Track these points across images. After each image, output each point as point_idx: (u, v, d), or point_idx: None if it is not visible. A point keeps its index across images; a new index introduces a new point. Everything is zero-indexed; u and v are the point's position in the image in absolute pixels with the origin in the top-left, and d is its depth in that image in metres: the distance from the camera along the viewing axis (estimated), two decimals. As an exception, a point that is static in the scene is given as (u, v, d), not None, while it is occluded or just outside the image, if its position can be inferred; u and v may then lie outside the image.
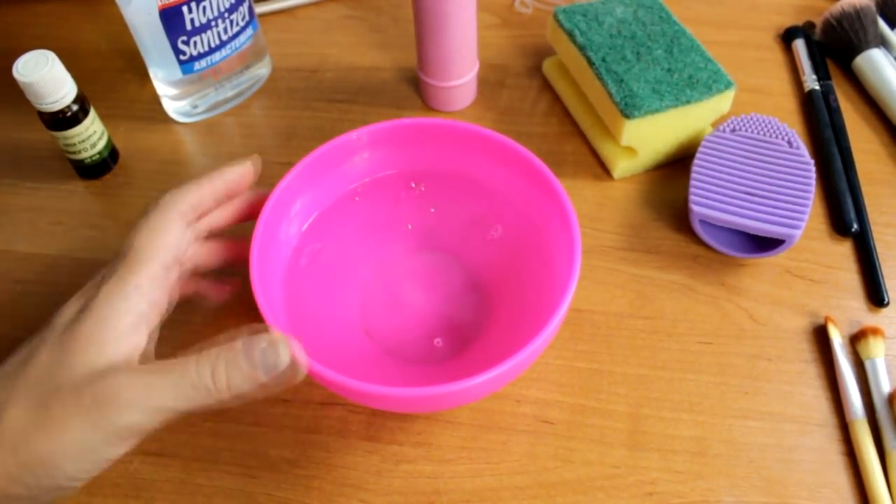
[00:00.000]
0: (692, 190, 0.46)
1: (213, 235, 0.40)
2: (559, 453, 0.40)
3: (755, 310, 0.45)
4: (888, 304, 0.45)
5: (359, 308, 0.45)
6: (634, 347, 0.44)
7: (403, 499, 0.39)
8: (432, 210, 0.47)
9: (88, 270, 0.47)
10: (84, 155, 0.51)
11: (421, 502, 0.39)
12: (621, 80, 0.48)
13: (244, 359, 0.31)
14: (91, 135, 0.50)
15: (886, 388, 0.41)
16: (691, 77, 0.48)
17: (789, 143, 0.48)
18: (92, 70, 0.59)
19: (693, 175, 0.47)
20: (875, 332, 0.42)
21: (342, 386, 0.33)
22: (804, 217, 0.44)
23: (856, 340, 0.43)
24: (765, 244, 0.46)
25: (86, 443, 0.30)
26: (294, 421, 0.41)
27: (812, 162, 0.47)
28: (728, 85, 0.48)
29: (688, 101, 0.48)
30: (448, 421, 0.41)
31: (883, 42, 0.57)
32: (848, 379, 0.41)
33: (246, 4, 0.53)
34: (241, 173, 0.39)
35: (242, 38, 0.54)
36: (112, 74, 0.60)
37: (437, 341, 0.43)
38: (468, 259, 0.46)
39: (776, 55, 0.60)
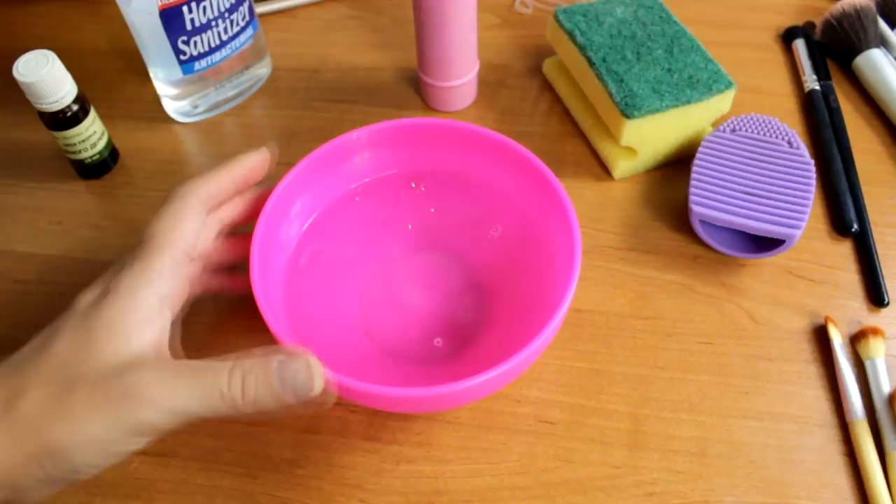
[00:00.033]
0: (692, 190, 0.46)
1: (230, 232, 0.40)
2: (559, 453, 0.40)
3: (755, 310, 0.45)
4: (888, 304, 0.45)
5: (359, 308, 0.45)
6: (634, 347, 0.44)
7: (403, 499, 0.39)
8: (432, 210, 0.47)
9: (88, 270, 0.48)
10: (84, 155, 0.51)
11: (421, 502, 0.39)
12: (621, 80, 0.48)
13: (277, 379, 0.31)
14: (91, 135, 0.50)
15: (886, 388, 0.41)
16: (691, 77, 0.48)
17: (789, 143, 0.48)
18: (92, 70, 0.59)
19: (693, 175, 0.47)
20: (875, 332, 0.42)
21: (342, 386, 0.33)
22: (804, 217, 0.44)
23: (856, 340, 0.43)
24: (765, 244, 0.46)
25: (102, 436, 0.30)
26: (294, 421, 0.41)
27: (812, 162, 0.47)
28: (728, 85, 0.48)
29: (688, 101, 0.48)
30: (448, 421, 0.41)
31: (883, 42, 0.57)
32: (848, 379, 0.41)
33: (246, 4, 0.53)
34: (257, 161, 0.39)
35: (243, 38, 0.54)
36: (112, 74, 0.60)
37: (437, 341, 0.43)
38: (468, 259, 0.46)
39: (776, 55, 0.60)
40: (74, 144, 0.50)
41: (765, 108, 0.53)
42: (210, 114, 0.56)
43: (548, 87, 0.58)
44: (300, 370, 0.32)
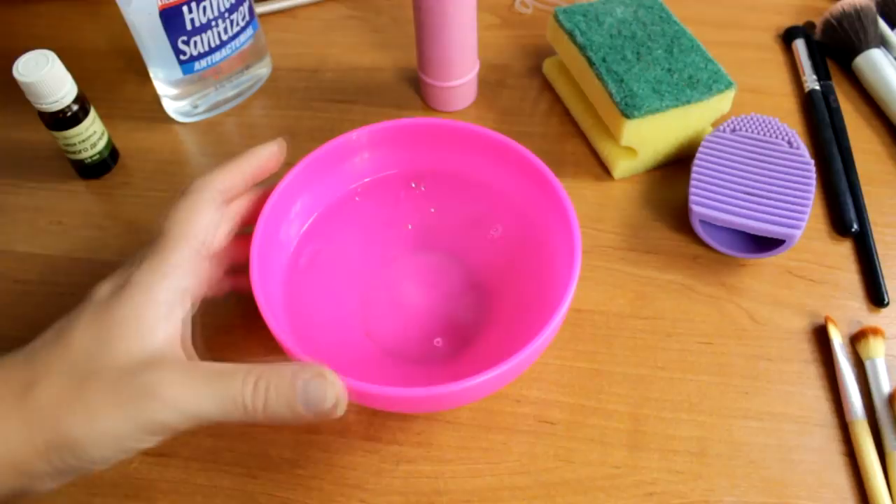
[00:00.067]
0: (692, 190, 0.46)
1: (240, 231, 0.40)
2: (559, 453, 0.40)
3: (755, 310, 0.45)
4: (888, 304, 0.45)
5: (359, 308, 0.45)
6: (634, 347, 0.44)
7: (403, 499, 0.39)
8: (432, 210, 0.47)
9: (89, 270, 0.48)
10: (84, 155, 0.51)
11: (421, 502, 0.39)
12: (621, 80, 0.48)
13: (301, 397, 0.31)
14: (91, 135, 0.50)
15: (886, 388, 0.41)
16: (691, 77, 0.48)
17: (789, 143, 0.48)
18: (92, 70, 0.59)
19: (693, 175, 0.47)
20: (875, 332, 0.42)
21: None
22: (804, 217, 0.44)
23: (856, 340, 0.43)
24: (765, 244, 0.46)
25: (118, 432, 0.30)
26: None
27: (812, 162, 0.47)
28: (728, 85, 0.48)
29: (688, 101, 0.48)
30: (448, 421, 0.41)
31: (883, 42, 0.57)
32: (848, 379, 0.41)
33: (246, 4, 0.53)
34: (271, 153, 0.39)
35: (243, 38, 0.54)
36: (112, 74, 0.60)
37: (437, 341, 0.43)
38: (468, 259, 0.46)
39: (776, 55, 0.60)
40: (74, 144, 0.50)
41: (765, 108, 0.53)
42: (210, 114, 0.56)
43: (548, 87, 0.58)
44: (325, 391, 0.31)
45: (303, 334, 0.39)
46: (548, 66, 0.58)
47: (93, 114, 0.50)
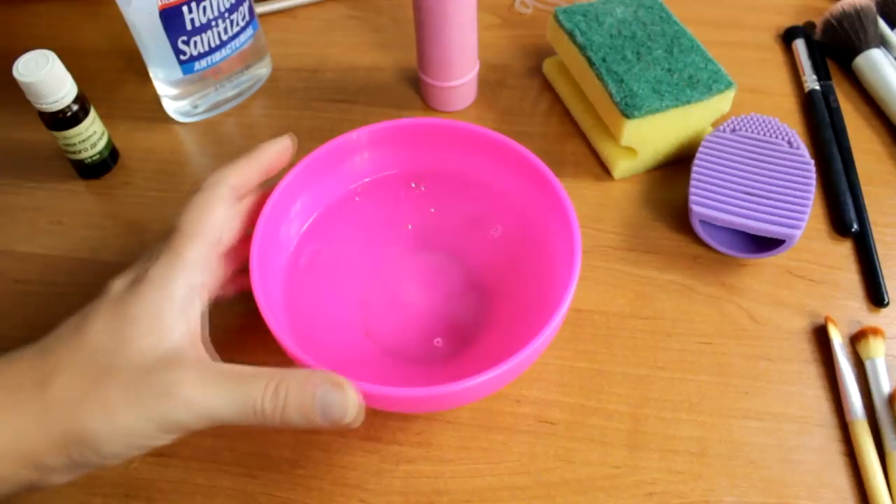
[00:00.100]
0: (692, 190, 0.46)
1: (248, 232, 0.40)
2: (559, 453, 0.40)
3: (755, 310, 0.45)
4: (888, 304, 0.45)
5: (359, 308, 0.45)
6: (634, 347, 0.44)
7: (403, 499, 0.39)
8: (432, 210, 0.47)
9: (89, 270, 0.48)
10: (84, 155, 0.51)
11: (421, 502, 0.39)
12: (621, 80, 0.48)
13: (319, 408, 0.31)
14: (91, 135, 0.50)
15: (886, 388, 0.41)
16: (691, 77, 0.48)
17: (789, 143, 0.48)
18: (92, 70, 0.59)
19: (693, 175, 0.47)
20: (875, 332, 0.42)
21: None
22: (804, 217, 0.44)
23: (856, 340, 0.43)
24: (765, 244, 0.46)
25: (134, 429, 0.30)
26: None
27: (812, 162, 0.47)
28: (728, 85, 0.48)
29: (688, 101, 0.48)
30: (448, 421, 0.41)
31: (883, 42, 0.57)
32: (848, 379, 0.41)
33: (246, 4, 0.53)
34: (283, 147, 0.40)
35: (243, 37, 0.54)
36: (112, 74, 0.60)
37: (438, 341, 0.43)
38: (468, 259, 0.46)
39: (776, 55, 0.60)
40: (74, 144, 0.50)
41: (765, 108, 0.53)
42: (210, 114, 0.56)
43: (548, 87, 0.58)
44: (341, 402, 0.31)
45: (303, 334, 0.39)
46: (548, 66, 0.58)
47: (93, 114, 0.50)
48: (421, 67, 0.54)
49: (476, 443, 0.40)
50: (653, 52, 0.50)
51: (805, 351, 0.43)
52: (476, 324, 0.43)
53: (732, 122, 0.49)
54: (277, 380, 0.31)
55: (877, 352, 0.42)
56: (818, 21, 0.59)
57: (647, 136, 0.49)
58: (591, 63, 0.50)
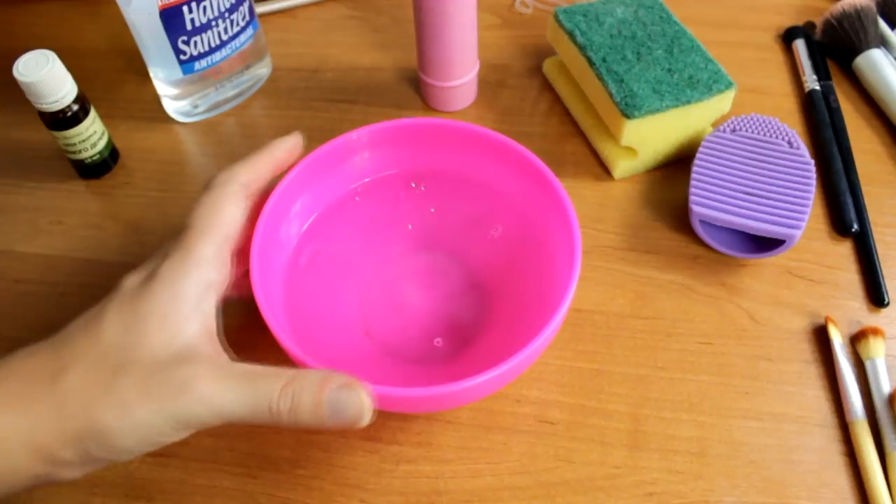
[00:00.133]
0: (692, 190, 0.46)
1: None
2: (559, 453, 0.40)
3: (755, 310, 0.45)
4: (888, 304, 0.45)
5: (359, 308, 0.45)
6: (634, 347, 0.44)
7: (403, 499, 0.39)
8: (432, 210, 0.47)
9: (88, 270, 0.48)
10: (84, 155, 0.51)
11: (421, 502, 0.39)
12: (621, 80, 0.48)
13: (328, 407, 0.31)
14: (91, 135, 0.50)
15: (886, 388, 0.41)
16: (692, 77, 0.48)
17: (789, 143, 0.48)
18: (92, 70, 0.59)
19: (693, 175, 0.47)
20: (875, 332, 0.42)
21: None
22: (804, 217, 0.44)
23: (856, 340, 0.43)
24: (765, 244, 0.46)
25: (149, 424, 0.30)
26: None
27: (812, 162, 0.47)
28: (728, 85, 0.48)
29: (688, 102, 0.48)
30: (448, 421, 0.41)
31: (883, 42, 0.57)
32: (848, 379, 0.41)
33: (246, 4, 0.53)
34: (289, 148, 0.40)
35: (243, 37, 0.54)
36: (112, 74, 0.60)
37: (438, 341, 0.43)
38: (468, 259, 0.46)
39: (776, 55, 0.60)
40: (74, 144, 0.50)
41: (765, 108, 0.53)
42: (210, 114, 0.56)
43: (548, 87, 0.58)
44: (353, 403, 0.31)
45: (303, 334, 0.39)
46: (548, 66, 0.58)
47: (93, 114, 0.50)
48: (421, 67, 0.54)
49: (476, 443, 0.40)
50: (653, 52, 0.50)
51: (805, 351, 0.43)
52: (476, 324, 0.43)
53: (732, 122, 0.49)
54: (293, 380, 0.31)
55: (877, 352, 0.42)
56: (818, 21, 0.59)
57: (647, 136, 0.49)
58: (591, 63, 0.50)
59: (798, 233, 0.44)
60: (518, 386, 0.42)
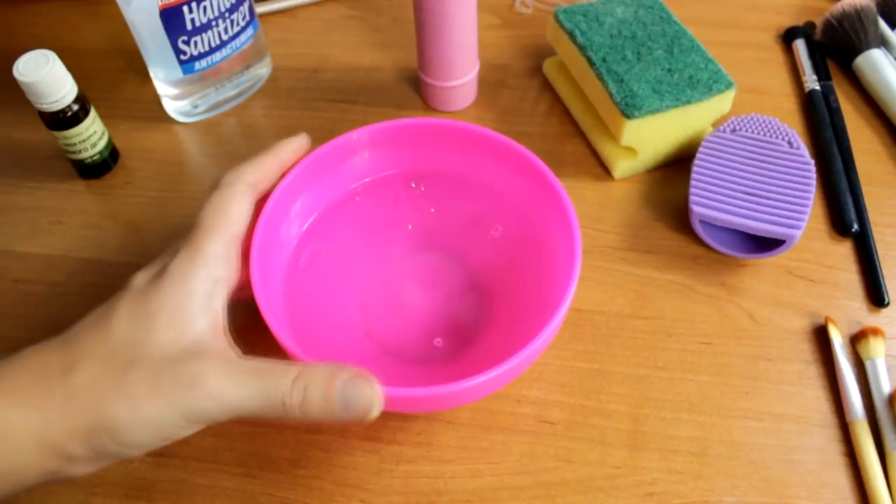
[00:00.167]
0: (692, 190, 0.46)
1: None
2: (559, 453, 0.40)
3: (755, 310, 0.45)
4: (888, 304, 0.45)
5: (359, 308, 0.45)
6: (634, 347, 0.44)
7: (403, 499, 0.39)
8: (432, 210, 0.47)
9: (88, 270, 0.48)
10: (84, 155, 0.51)
11: (421, 502, 0.39)
12: (622, 80, 0.48)
13: (338, 399, 0.31)
14: (91, 135, 0.50)
15: (887, 388, 0.41)
16: (692, 77, 0.48)
17: (790, 143, 0.48)
18: (92, 70, 0.59)
19: (693, 175, 0.47)
20: (875, 332, 0.42)
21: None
22: (804, 217, 0.44)
23: (856, 340, 0.43)
24: (765, 244, 0.46)
25: (159, 419, 0.30)
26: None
27: (812, 162, 0.47)
28: (728, 85, 0.48)
29: (688, 102, 0.48)
30: (448, 421, 0.41)
31: (883, 42, 0.57)
32: (848, 379, 0.41)
33: (246, 4, 0.53)
34: (296, 148, 0.40)
35: (243, 37, 0.54)
36: (112, 74, 0.60)
37: (438, 341, 0.43)
38: (468, 259, 0.46)
39: (776, 55, 0.60)
40: (74, 144, 0.50)
41: (765, 108, 0.53)
42: (210, 114, 0.56)
43: (548, 87, 0.58)
44: (363, 396, 0.32)
45: (303, 334, 0.39)
46: (548, 66, 0.58)
47: (93, 114, 0.50)
48: (421, 67, 0.54)
49: (476, 443, 0.40)
50: (653, 52, 0.50)
51: (805, 351, 0.43)
52: (476, 324, 0.43)
53: (732, 123, 0.49)
54: (305, 373, 0.31)
55: (877, 352, 0.42)
56: (818, 21, 0.59)
57: (647, 136, 0.49)
58: (591, 63, 0.50)
59: (798, 233, 0.44)
60: (518, 386, 0.42)
